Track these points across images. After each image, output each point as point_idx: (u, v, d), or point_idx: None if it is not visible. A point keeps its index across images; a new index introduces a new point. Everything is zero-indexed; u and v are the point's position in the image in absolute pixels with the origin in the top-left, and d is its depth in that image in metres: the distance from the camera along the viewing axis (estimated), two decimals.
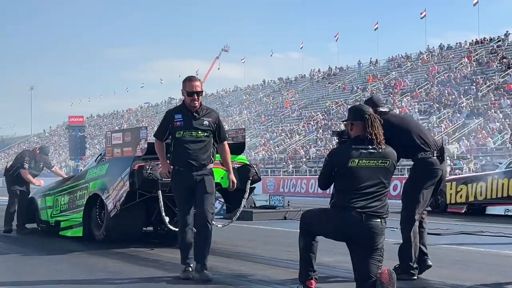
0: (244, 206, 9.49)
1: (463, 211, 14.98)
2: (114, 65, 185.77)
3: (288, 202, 15.88)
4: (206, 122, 6.55)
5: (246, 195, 8.99)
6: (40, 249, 9.17)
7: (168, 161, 6.71)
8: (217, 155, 8.97)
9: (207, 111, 6.64)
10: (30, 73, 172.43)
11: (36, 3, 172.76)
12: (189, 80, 6.57)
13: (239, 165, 9.06)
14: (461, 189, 15.09)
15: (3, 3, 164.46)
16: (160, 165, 7.01)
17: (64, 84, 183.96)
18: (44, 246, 9.57)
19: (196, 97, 6.47)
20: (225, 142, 6.91)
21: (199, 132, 6.51)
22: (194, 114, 6.52)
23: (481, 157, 27.63)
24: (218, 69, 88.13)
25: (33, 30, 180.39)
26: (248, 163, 9.29)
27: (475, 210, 15.08)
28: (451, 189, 15.38)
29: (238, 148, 9.29)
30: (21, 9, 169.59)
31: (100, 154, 10.52)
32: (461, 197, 15.08)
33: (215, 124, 6.64)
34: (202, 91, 6.60)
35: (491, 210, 14.83)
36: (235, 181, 6.93)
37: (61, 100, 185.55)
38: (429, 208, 15.82)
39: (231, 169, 6.94)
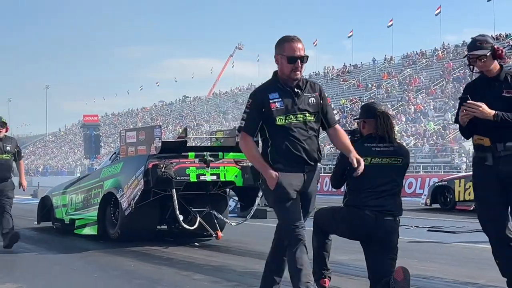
0: (258, 204, 9.49)
1: (471, 209, 14.91)
2: (128, 64, 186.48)
3: None
4: (312, 99, 4.62)
5: (260, 193, 9.00)
6: (55, 248, 9.21)
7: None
8: (231, 154, 9.10)
9: (308, 83, 4.68)
10: (45, 73, 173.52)
11: (51, 4, 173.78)
12: (289, 41, 4.59)
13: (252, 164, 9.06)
14: (470, 186, 14.96)
15: (18, 4, 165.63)
16: (261, 172, 4.72)
17: (79, 83, 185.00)
18: (59, 245, 9.62)
19: (299, 65, 4.54)
20: (337, 125, 4.88)
21: (307, 115, 4.58)
22: (296, 89, 4.60)
23: None
24: (232, 67, 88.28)
25: (48, 30, 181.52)
26: None
27: None
28: (459, 186, 15.35)
29: None
30: (36, 10, 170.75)
31: (115, 153, 10.57)
32: (469, 194, 14.99)
33: (322, 101, 4.70)
34: (308, 57, 4.61)
35: None
36: (360, 158, 4.67)
37: (76, 99, 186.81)
38: (437, 206, 15.91)
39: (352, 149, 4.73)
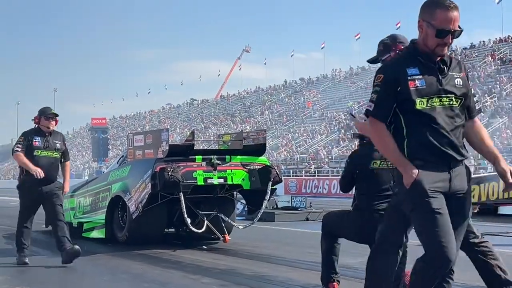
0: (266, 207, 9.48)
1: (475, 211, 14.94)
2: (136, 67, 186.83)
3: (310, 203, 15.83)
4: (459, 80, 3.70)
5: (267, 196, 9.02)
6: None
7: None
8: (239, 157, 9.11)
9: (452, 60, 3.74)
10: (53, 76, 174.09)
11: (60, 6, 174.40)
12: (443, 7, 3.56)
13: (260, 167, 9.11)
14: (474, 189, 15.05)
15: (26, 7, 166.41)
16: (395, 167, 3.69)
17: (87, 86, 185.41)
18: None
19: (450, 41, 3.61)
20: (477, 117, 3.89)
21: (453, 99, 3.66)
22: (441, 65, 3.67)
23: (505, 157, 27.34)
24: (239, 69, 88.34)
25: (56, 33, 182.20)
26: (269, 164, 9.31)
27: (487, 210, 15.09)
28: None
29: (259, 149, 9.33)
30: (45, 12, 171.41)
31: (122, 156, 10.61)
32: (473, 197, 14.98)
33: (468, 85, 3.79)
34: (461, 31, 3.62)
35: (503, 210, 14.89)
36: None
37: (84, 102, 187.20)
38: None
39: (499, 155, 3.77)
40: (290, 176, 34.90)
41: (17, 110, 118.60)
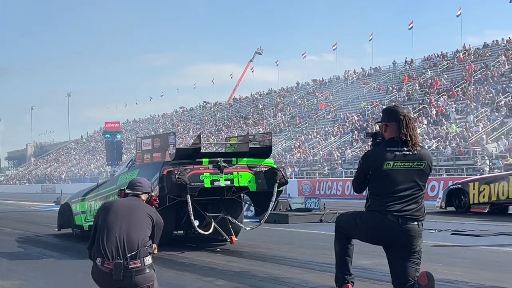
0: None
1: (486, 211, 14.93)
2: (150, 71, 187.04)
3: (324, 204, 15.78)
4: None
5: (274, 198, 9.08)
6: (77, 255, 9.24)
7: None
8: (245, 160, 9.13)
9: None
10: (67, 80, 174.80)
11: (73, 11, 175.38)
12: None
13: (266, 169, 9.18)
14: (484, 189, 15.09)
15: (40, 11, 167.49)
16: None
17: (101, 90, 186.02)
18: (81, 251, 9.65)
19: None
20: None
21: None
22: None
23: None
24: (252, 71, 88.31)
25: (70, 38, 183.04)
26: (275, 166, 9.36)
27: (498, 209, 15.07)
28: (474, 189, 15.39)
29: (265, 151, 9.39)
30: (58, 17, 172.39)
31: (131, 160, 10.71)
32: (483, 197, 15.08)
33: None
34: None
35: None
36: None
37: (98, 106, 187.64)
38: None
39: None
40: (303, 177, 34.84)
41: (32, 115, 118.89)
